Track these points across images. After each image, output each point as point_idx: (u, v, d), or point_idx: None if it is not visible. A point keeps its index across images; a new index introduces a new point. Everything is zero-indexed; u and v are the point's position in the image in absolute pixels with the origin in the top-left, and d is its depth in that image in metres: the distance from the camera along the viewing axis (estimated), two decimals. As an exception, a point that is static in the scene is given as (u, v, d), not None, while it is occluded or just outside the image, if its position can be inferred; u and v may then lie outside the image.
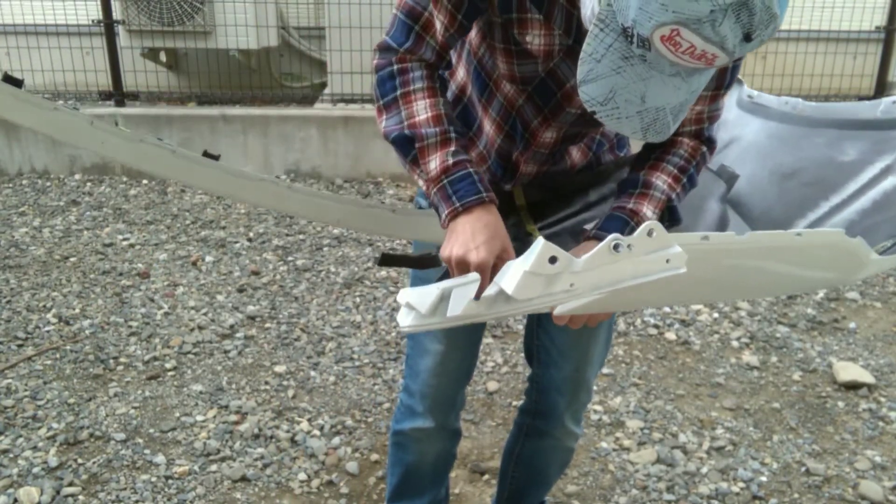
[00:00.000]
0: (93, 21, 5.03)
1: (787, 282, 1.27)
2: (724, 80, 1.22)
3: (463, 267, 1.14)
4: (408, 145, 1.20)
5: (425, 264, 1.27)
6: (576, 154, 1.41)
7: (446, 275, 1.18)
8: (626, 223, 1.21)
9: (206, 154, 1.13)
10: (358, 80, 4.98)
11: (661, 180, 1.26)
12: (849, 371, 2.76)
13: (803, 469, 2.30)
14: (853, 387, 2.71)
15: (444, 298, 1.04)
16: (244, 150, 4.84)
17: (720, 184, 1.53)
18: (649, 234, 0.95)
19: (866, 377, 2.73)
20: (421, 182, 1.23)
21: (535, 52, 1.21)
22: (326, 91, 5.18)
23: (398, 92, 1.20)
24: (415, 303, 1.03)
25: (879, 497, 2.17)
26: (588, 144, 1.42)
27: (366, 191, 4.68)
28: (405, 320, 1.06)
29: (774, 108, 1.67)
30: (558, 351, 1.56)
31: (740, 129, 1.68)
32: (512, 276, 0.98)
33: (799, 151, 1.56)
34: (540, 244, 0.94)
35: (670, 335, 3.03)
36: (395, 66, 1.21)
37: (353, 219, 1.28)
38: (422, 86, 1.21)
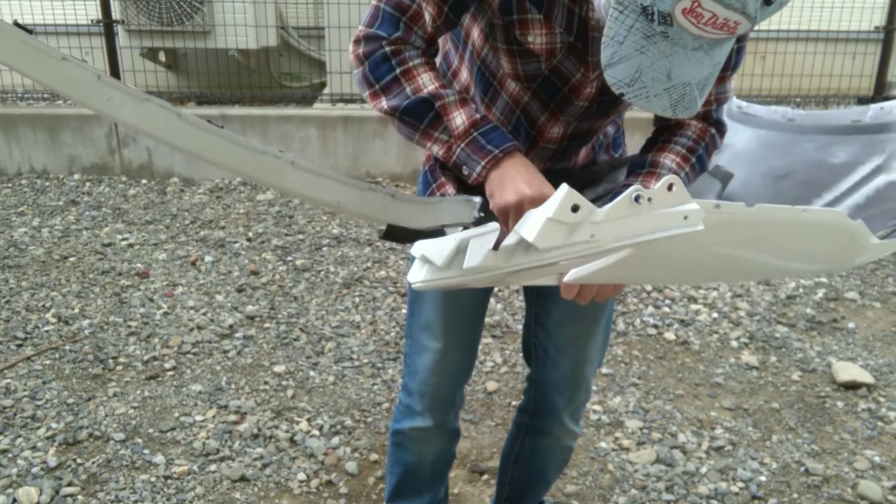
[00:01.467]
0: (92, 21, 5.03)
1: (789, 262, 1.28)
2: (731, 61, 1.23)
3: (525, 205, 1.12)
4: (424, 108, 1.18)
5: (428, 236, 1.26)
6: (582, 153, 1.41)
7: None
8: None
9: (208, 122, 1.12)
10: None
11: (668, 159, 1.27)
12: (848, 371, 2.76)
13: (802, 469, 2.30)
14: (852, 387, 2.71)
15: (460, 251, 1.00)
16: (243, 150, 4.83)
17: (715, 182, 1.54)
18: (669, 188, 0.95)
19: (865, 377, 2.73)
20: (438, 147, 1.21)
21: (537, 51, 1.21)
22: (326, 91, 5.18)
23: (398, 71, 1.18)
24: (430, 255, 1.00)
25: (878, 497, 2.17)
26: (594, 144, 1.42)
27: (365, 191, 4.68)
28: (418, 274, 1.02)
29: (764, 117, 1.70)
30: (556, 349, 1.56)
31: (731, 138, 1.70)
32: (533, 223, 0.96)
33: (790, 156, 1.58)
34: (564, 191, 0.93)
35: (669, 335, 3.03)
36: (388, 49, 1.19)
37: (352, 202, 1.26)
38: (421, 62, 1.20)
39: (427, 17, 1.19)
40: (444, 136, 1.19)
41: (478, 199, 1.31)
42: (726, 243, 1.06)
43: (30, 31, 0.98)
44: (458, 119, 1.18)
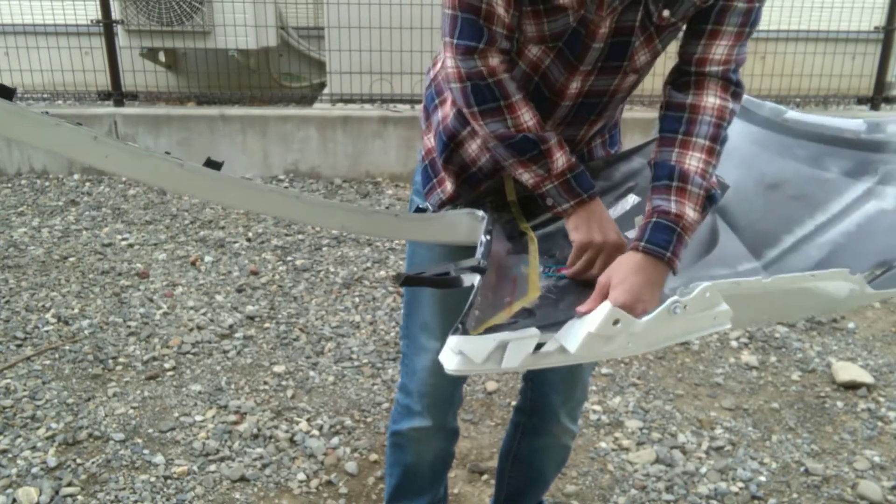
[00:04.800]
0: (92, 21, 5.03)
1: (795, 311, 1.38)
2: (751, 17, 1.24)
3: (607, 248, 1.27)
4: (529, 145, 1.28)
5: (446, 285, 1.28)
6: (597, 126, 1.41)
7: (461, 285, 1.19)
8: (672, 231, 1.19)
9: (209, 161, 1.13)
10: (357, 80, 4.98)
11: (694, 161, 1.24)
12: (848, 371, 2.76)
13: (802, 469, 2.30)
14: (852, 387, 2.71)
15: (498, 348, 1.04)
16: (243, 150, 4.84)
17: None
18: (704, 296, 1.02)
19: (865, 377, 2.73)
20: (529, 176, 1.29)
21: (566, 4, 1.21)
22: (325, 91, 5.18)
23: (502, 102, 1.27)
24: (469, 352, 1.03)
25: (878, 497, 2.17)
26: (607, 127, 1.46)
27: (365, 190, 4.68)
28: (451, 363, 1.05)
29: (756, 112, 1.68)
30: None
31: None
32: (575, 336, 1.02)
33: (781, 161, 1.57)
34: (607, 308, 0.99)
35: (669, 335, 3.03)
36: (491, 80, 1.25)
37: (357, 225, 1.32)
38: (521, 96, 1.28)
39: (500, 10, 1.21)
40: (542, 171, 1.29)
41: (481, 214, 1.33)
42: (744, 311, 1.12)
43: (10, 94, 0.99)
44: (560, 161, 1.29)
